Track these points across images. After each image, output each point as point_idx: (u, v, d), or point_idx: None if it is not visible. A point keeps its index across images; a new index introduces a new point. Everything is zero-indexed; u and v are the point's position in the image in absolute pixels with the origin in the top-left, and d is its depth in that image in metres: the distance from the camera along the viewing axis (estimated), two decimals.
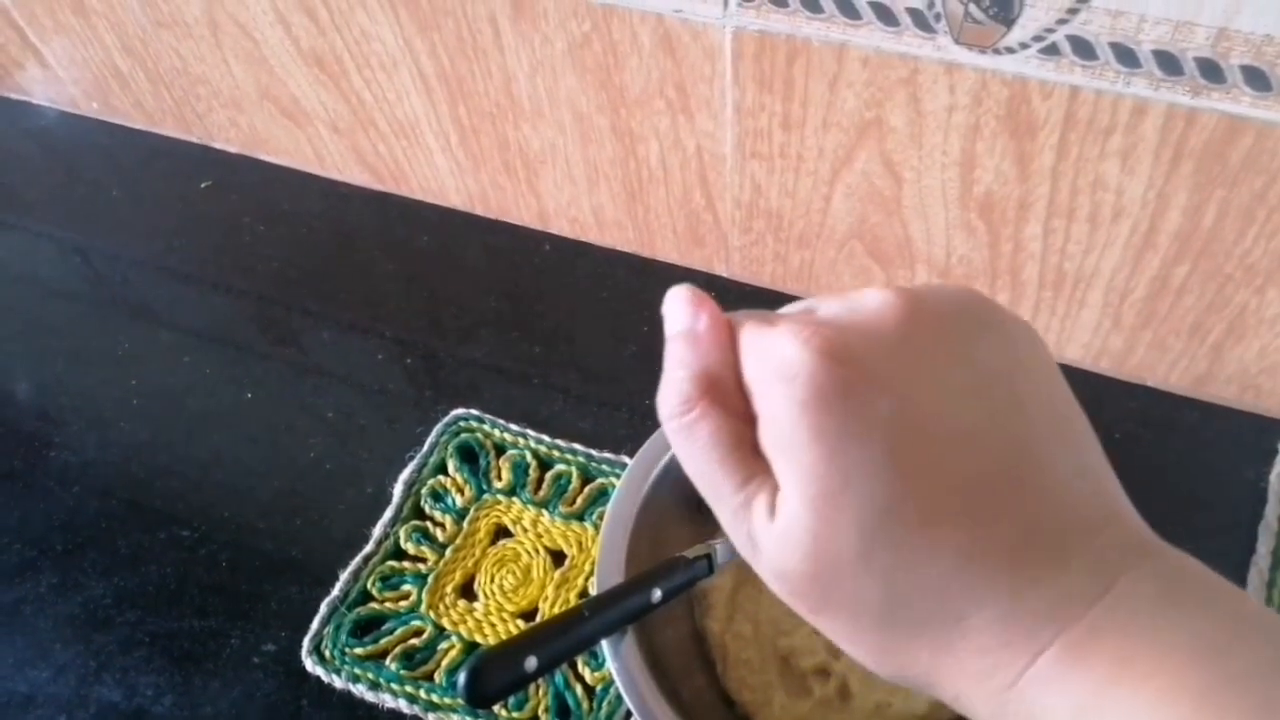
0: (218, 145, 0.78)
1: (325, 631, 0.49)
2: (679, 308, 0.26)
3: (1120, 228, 0.48)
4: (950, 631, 0.23)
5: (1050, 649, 0.22)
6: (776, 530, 0.24)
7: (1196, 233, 0.46)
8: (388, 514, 0.53)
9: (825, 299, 0.26)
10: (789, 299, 0.29)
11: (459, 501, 0.53)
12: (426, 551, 0.51)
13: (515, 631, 0.48)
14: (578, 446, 0.55)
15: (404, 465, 0.55)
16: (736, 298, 0.58)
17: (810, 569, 0.23)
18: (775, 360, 0.24)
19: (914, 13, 0.43)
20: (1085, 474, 0.24)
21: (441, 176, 0.69)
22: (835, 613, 0.24)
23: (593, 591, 0.44)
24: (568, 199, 0.65)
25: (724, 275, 0.64)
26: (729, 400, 0.25)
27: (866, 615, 0.23)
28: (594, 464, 0.54)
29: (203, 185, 0.75)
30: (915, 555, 0.22)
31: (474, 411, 0.57)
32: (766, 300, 0.43)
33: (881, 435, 0.22)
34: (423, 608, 0.49)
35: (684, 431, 0.25)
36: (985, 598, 0.22)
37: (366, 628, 0.49)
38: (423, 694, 0.46)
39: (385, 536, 0.52)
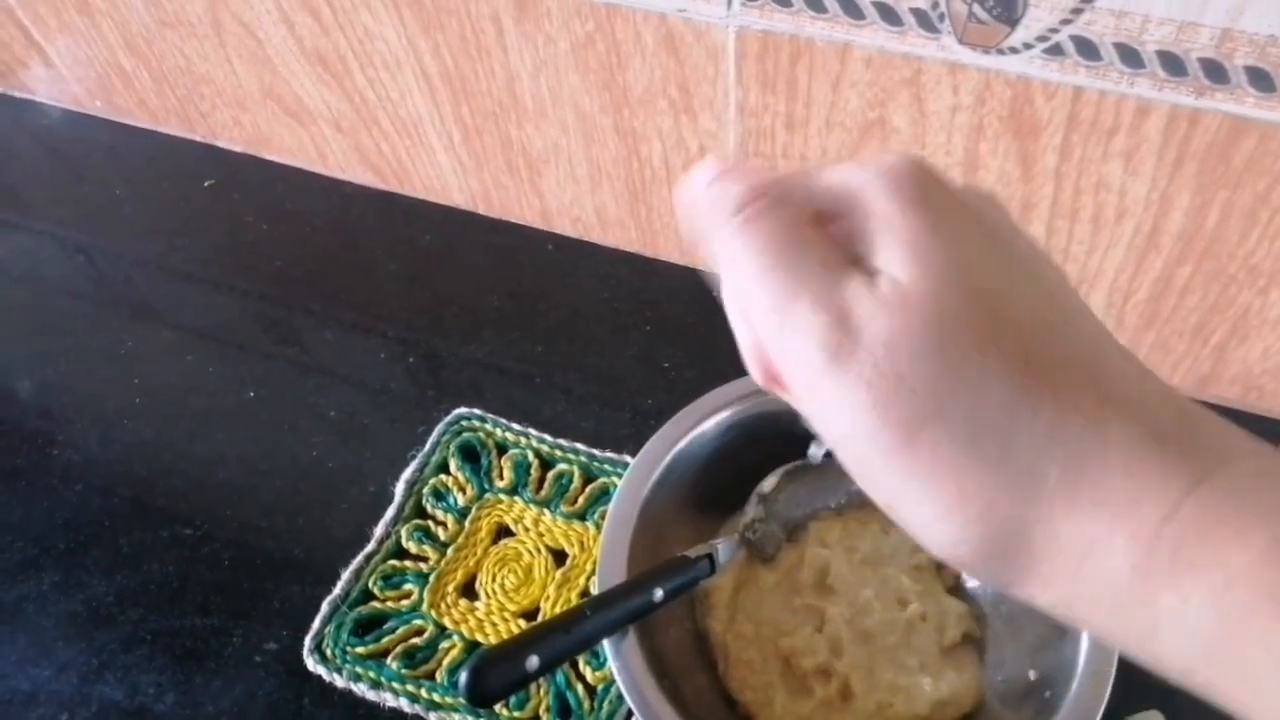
0: (221, 144, 0.78)
1: (327, 630, 0.49)
2: (712, 162, 0.23)
3: (1123, 228, 0.48)
4: (1091, 438, 0.18)
5: (1218, 474, 0.18)
6: (884, 295, 0.19)
7: (1200, 234, 0.46)
8: (389, 513, 0.53)
9: None
10: None
11: (461, 501, 0.53)
12: (428, 550, 0.51)
13: (517, 631, 0.48)
14: (580, 446, 0.55)
15: (406, 464, 0.55)
16: None
17: (934, 341, 0.19)
18: (876, 166, 0.21)
19: (918, 13, 0.43)
20: None
21: (444, 176, 0.69)
22: (946, 418, 0.19)
23: (594, 591, 0.44)
24: (570, 199, 0.65)
25: None
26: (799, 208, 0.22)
27: (987, 419, 0.19)
28: (596, 463, 0.54)
29: (206, 184, 0.75)
30: (1053, 329, 0.20)
31: (476, 411, 0.57)
32: None
33: (1001, 239, 0.21)
34: (424, 607, 0.49)
35: (752, 222, 0.21)
36: (1132, 404, 0.19)
37: (368, 627, 0.49)
38: (424, 693, 0.46)
39: (387, 535, 0.52)
